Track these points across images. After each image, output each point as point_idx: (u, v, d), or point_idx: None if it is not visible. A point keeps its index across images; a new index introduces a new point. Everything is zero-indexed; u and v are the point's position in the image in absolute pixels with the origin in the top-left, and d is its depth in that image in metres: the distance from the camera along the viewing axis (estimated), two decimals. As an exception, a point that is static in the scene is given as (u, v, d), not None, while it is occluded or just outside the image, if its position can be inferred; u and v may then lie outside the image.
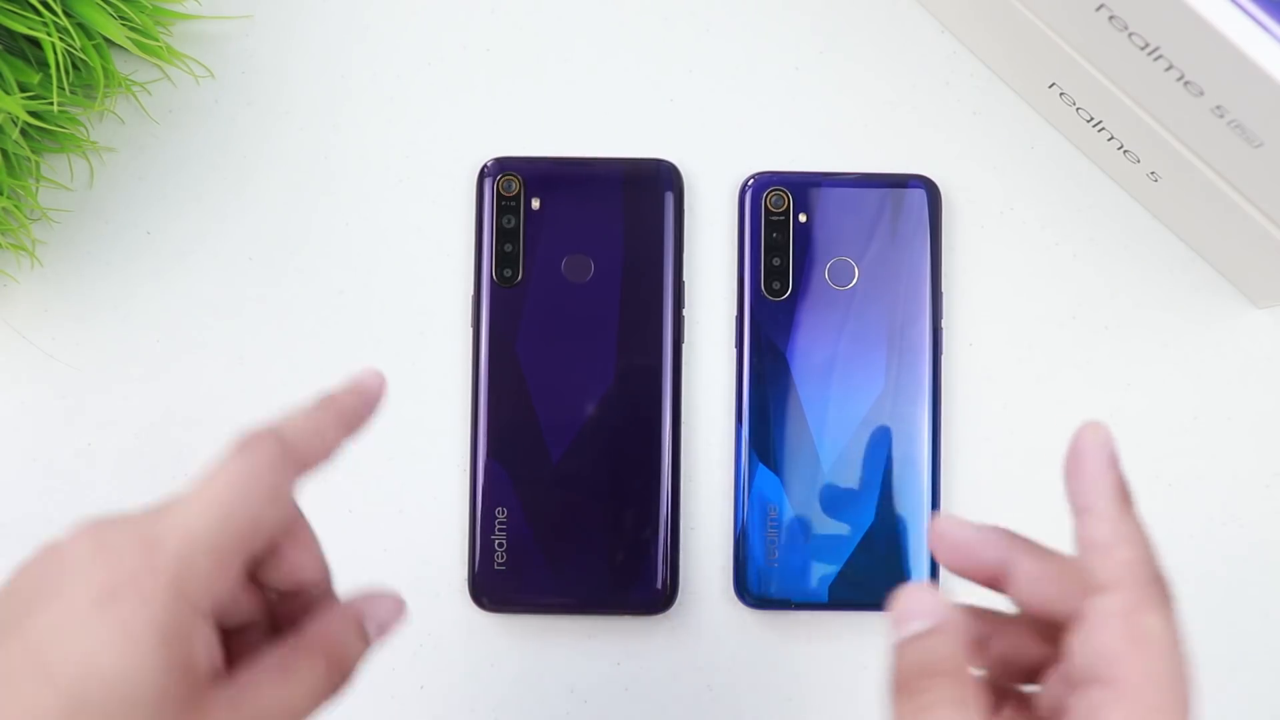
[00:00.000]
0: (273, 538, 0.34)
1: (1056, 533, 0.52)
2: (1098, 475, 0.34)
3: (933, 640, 0.32)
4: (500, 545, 0.50)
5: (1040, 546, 0.34)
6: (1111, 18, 0.43)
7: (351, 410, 0.37)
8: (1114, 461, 0.34)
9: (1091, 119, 0.50)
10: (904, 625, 0.32)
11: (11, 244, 0.50)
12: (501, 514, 0.51)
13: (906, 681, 0.32)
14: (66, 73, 0.47)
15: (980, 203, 0.52)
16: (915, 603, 0.33)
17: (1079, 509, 0.33)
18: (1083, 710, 0.30)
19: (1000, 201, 0.52)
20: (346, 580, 0.52)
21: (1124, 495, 0.33)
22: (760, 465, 0.51)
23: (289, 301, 0.52)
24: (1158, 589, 0.31)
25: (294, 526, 0.36)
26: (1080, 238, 0.52)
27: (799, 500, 0.51)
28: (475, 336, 0.51)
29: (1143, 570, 0.32)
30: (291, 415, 0.35)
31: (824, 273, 0.51)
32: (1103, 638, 0.30)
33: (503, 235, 0.51)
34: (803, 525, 0.50)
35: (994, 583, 0.34)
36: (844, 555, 0.50)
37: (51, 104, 0.46)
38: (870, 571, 0.50)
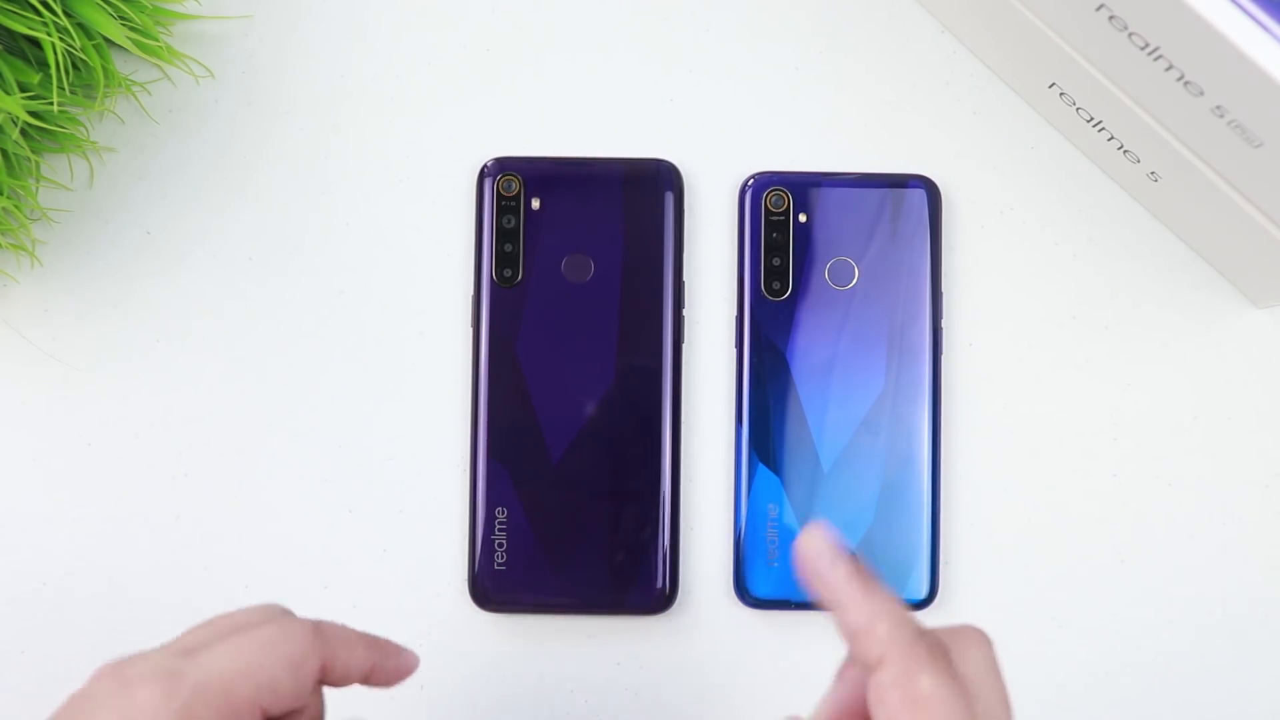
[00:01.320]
0: (289, 700, 0.36)
1: (1057, 530, 0.52)
2: (829, 572, 0.34)
3: None
4: (500, 545, 0.50)
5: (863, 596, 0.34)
6: (1111, 18, 0.43)
7: (386, 664, 0.39)
8: (837, 555, 0.34)
9: (1091, 119, 0.50)
10: None
11: (11, 244, 0.50)
12: (501, 514, 0.51)
13: None
14: (66, 73, 0.47)
15: (980, 203, 0.52)
16: None
17: (831, 608, 0.34)
18: None
19: (1000, 201, 0.52)
20: (346, 580, 0.52)
21: (862, 577, 0.34)
22: (760, 465, 0.51)
23: (289, 301, 0.52)
24: (923, 648, 0.32)
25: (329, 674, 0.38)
26: (1080, 238, 0.52)
27: (799, 500, 0.50)
28: (475, 336, 0.51)
29: (903, 636, 0.32)
30: (334, 623, 0.38)
31: (824, 273, 0.51)
32: (887, 711, 0.32)
33: (503, 235, 0.51)
34: (803, 525, 0.50)
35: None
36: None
37: (51, 104, 0.46)
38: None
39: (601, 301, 0.51)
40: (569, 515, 0.50)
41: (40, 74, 0.47)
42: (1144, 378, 0.52)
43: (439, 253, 0.52)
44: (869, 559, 0.50)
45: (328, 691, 0.39)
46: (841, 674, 0.35)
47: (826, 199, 0.51)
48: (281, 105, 0.53)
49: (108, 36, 0.47)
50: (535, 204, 0.51)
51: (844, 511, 0.50)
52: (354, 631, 0.38)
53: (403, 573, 0.52)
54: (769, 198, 0.51)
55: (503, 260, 0.51)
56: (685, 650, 0.52)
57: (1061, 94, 0.50)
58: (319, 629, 0.37)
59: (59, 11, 0.45)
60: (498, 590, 0.51)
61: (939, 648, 0.33)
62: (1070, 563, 0.52)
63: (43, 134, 0.49)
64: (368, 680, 0.38)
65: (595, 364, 0.51)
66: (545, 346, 0.51)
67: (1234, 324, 0.52)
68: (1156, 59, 0.43)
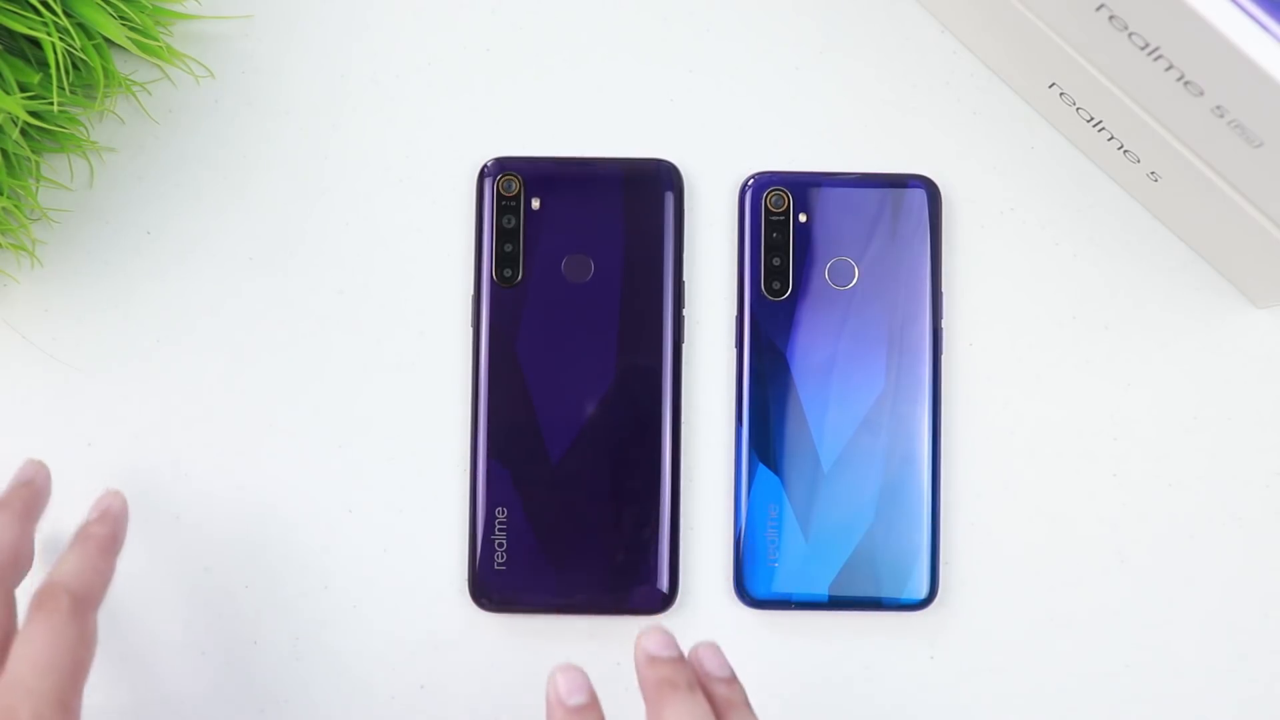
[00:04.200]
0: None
1: (1057, 530, 0.52)
2: (641, 672, 0.42)
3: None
4: (500, 545, 0.50)
5: None
6: (1111, 18, 0.43)
7: (111, 537, 0.47)
8: (649, 658, 0.43)
9: (1091, 119, 0.50)
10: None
11: (11, 244, 0.50)
12: (501, 514, 0.51)
13: None
14: (66, 73, 0.47)
15: (980, 203, 0.52)
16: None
17: None
18: None
19: (1000, 201, 0.52)
20: (346, 580, 0.52)
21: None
22: (760, 465, 0.51)
23: (289, 302, 0.52)
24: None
25: None
26: (1080, 238, 0.52)
27: (799, 500, 0.50)
28: (475, 336, 0.51)
29: None
30: (72, 562, 0.45)
31: (824, 273, 0.51)
32: None
33: (503, 235, 0.51)
34: (803, 525, 0.50)
35: None
36: (844, 555, 0.50)
37: (51, 104, 0.46)
38: (870, 571, 0.50)
39: (601, 301, 0.51)
40: (569, 515, 0.50)
41: (40, 74, 0.47)
42: (1144, 377, 0.52)
43: (439, 253, 0.52)
44: (869, 559, 0.50)
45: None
46: None
47: (826, 199, 0.51)
48: (281, 105, 0.53)
49: (108, 36, 0.47)
50: (535, 204, 0.51)
51: (844, 511, 0.50)
52: (87, 554, 0.46)
53: (403, 573, 0.52)
54: (769, 198, 0.51)
55: (503, 260, 0.51)
56: (685, 650, 0.52)
57: (1061, 94, 0.50)
58: (73, 596, 0.43)
59: (59, 11, 0.45)
60: (498, 590, 0.51)
61: None
62: (1070, 562, 0.52)
63: (43, 134, 0.50)
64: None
65: (595, 364, 0.51)
66: (545, 346, 0.51)
67: (1234, 324, 0.52)
68: (1156, 59, 0.43)
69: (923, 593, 0.50)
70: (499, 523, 0.51)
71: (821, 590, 0.50)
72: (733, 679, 0.43)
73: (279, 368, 0.52)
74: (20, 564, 0.45)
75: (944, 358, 0.51)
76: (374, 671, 0.51)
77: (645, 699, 0.41)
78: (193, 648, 0.52)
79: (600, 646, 0.52)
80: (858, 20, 0.53)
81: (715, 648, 0.43)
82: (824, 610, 0.51)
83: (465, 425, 0.52)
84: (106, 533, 0.47)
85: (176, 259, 0.52)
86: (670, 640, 0.43)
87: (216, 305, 0.52)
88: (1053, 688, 0.52)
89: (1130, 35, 0.43)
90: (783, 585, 0.50)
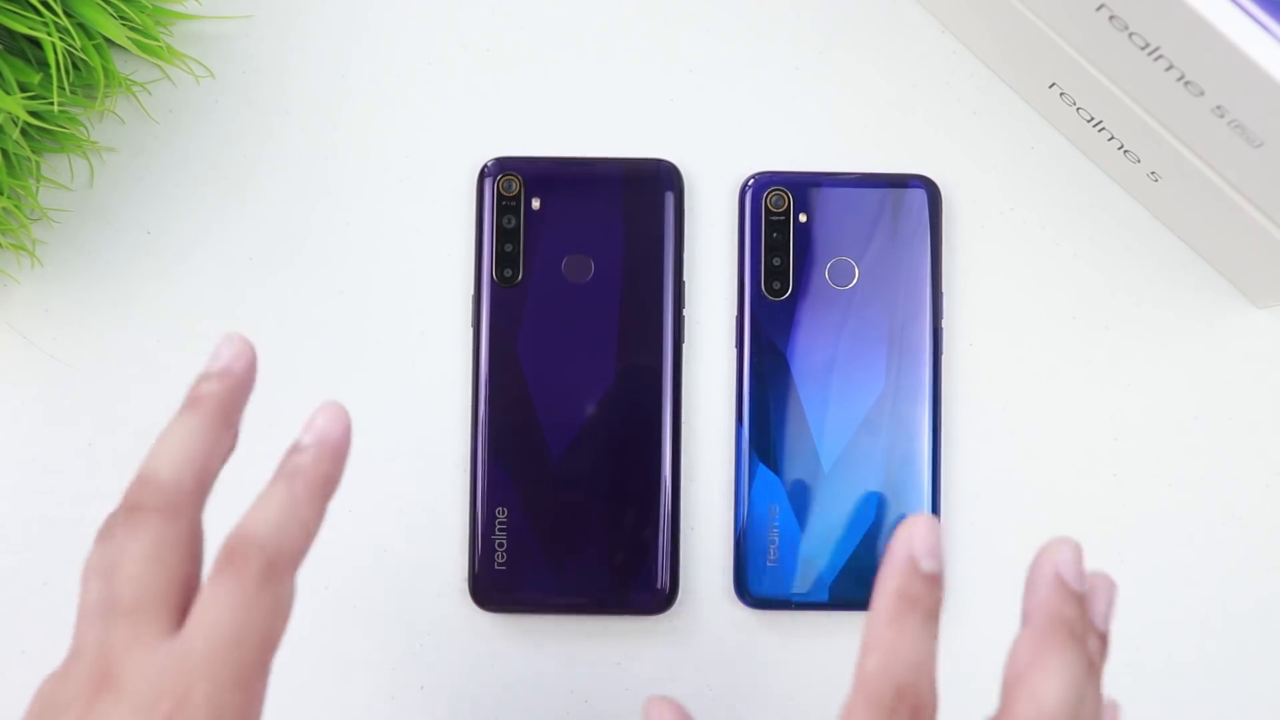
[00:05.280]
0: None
1: (1057, 530, 0.52)
2: (1040, 592, 0.34)
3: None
4: (500, 545, 0.50)
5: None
6: (1111, 18, 0.43)
7: (324, 479, 0.36)
8: (1059, 583, 0.35)
9: (1091, 119, 0.50)
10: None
11: (11, 244, 0.50)
12: (502, 514, 0.51)
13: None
14: (66, 73, 0.47)
15: (980, 203, 0.52)
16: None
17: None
18: None
19: (1000, 201, 0.52)
20: (346, 580, 0.52)
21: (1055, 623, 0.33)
22: (760, 465, 0.51)
23: (289, 301, 0.52)
24: None
25: None
26: (1080, 238, 0.52)
27: (799, 500, 0.51)
28: (475, 336, 0.51)
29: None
30: (272, 509, 0.35)
31: (824, 273, 0.51)
32: None
33: (503, 235, 0.51)
34: (803, 525, 0.50)
35: None
36: (844, 555, 0.50)
37: (51, 104, 0.46)
38: (870, 571, 0.50)
39: (602, 301, 0.51)
40: (569, 515, 0.50)
41: (40, 74, 0.47)
42: (1144, 378, 0.52)
43: (439, 253, 0.52)
44: (869, 559, 0.50)
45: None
46: None
47: (826, 199, 0.51)
48: (281, 105, 0.53)
49: (108, 36, 0.47)
50: (535, 204, 0.51)
51: (844, 511, 0.50)
52: (288, 501, 0.35)
53: (403, 573, 0.52)
54: (769, 198, 0.51)
55: (503, 260, 0.51)
56: (685, 650, 0.52)
57: (1061, 94, 0.50)
58: (267, 554, 0.34)
59: (59, 11, 0.45)
60: (498, 590, 0.51)
61: None
62: (1070, 563, 0.51)
63: (43, 134, 0.50)
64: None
65: (595, 364, 0.51)
66: (545, 346, 0.51)
67: (1234, 324, 0.52)
68: (1156, 59, 0.43)
69: (923, 593, 0.50)
70: (499, 523, 0.51)
71: (821, 590, 0.50)
72: (1106, 634, 0.36)
73: (279, 367, 0.52)
74: (209, 484, 0.36)
75: (944, 358, 0.51)
76: (374, 671, 0.52)
77: (1029, 628, 0.35)
78: (193, 648, 0.52)
79: (600, 646, 0.52)
80: (858, 20, 0.53)
81: (1108, 587, 0.37)
82: (824, 610, 0.51)
83: (465, 425, 0.52)
84: (320, 472, 0.36)
85: (177, 259, 0.52)
86: (1085, 572, 0.36)
87: (217, 305, 0.52)
88: (1053, 688, 0.51)
89: (1130, 35, 0.43)
90: (783, 585, 0.50)
